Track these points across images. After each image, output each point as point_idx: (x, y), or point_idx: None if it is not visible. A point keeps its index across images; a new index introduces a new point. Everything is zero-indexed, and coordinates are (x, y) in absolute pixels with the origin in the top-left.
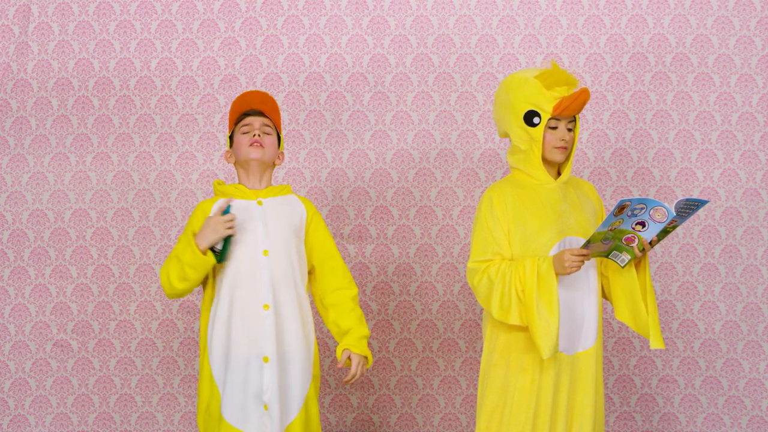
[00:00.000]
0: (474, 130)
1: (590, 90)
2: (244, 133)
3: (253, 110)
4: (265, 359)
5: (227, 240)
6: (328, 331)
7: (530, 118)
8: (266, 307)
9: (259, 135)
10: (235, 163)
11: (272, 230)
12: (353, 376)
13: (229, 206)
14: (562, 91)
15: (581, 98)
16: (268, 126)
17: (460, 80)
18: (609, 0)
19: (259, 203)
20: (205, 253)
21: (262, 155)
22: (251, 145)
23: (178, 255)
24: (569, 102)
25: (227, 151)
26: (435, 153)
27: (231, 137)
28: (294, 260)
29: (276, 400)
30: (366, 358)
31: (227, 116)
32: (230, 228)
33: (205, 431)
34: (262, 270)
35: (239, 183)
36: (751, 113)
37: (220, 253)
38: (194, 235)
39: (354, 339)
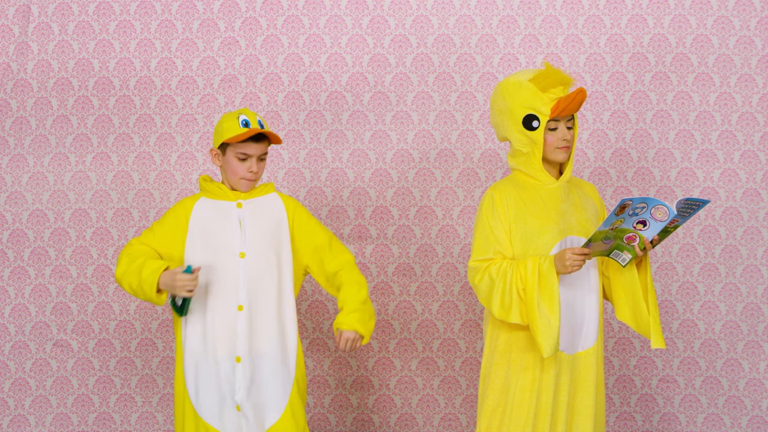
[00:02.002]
0: (474, 130)
1: (590, 90)
2: (240, 159)
3: (258, 135)
4: (237, 359)
5: (188, 298)
6: (328, 330)
7: (529, 122)
8: (240, 308)
9: (254, 171)
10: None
11: (249, 233)
12: (343, 350)
13: (189, 266)
14: (557, 92)
15: (578, 98)
16: (266, 153)
17: (460, 80)
18: (609, 0)
19: (239, 205)
20: (159, 291)
21: (252, 186)
22: (245, 179)
23: (141, 279)
24: (567, 103)
25: (212, 150)
26: (435, 153)
27: (223, 143)
28: (274, 262)
29: (248, 401)
30: (357, 332)
31: None
32: (189, 291)
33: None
34: (238, 272)
35: (223, 183)
36: (751, 113)
37: (180, 308)
38: (163, 271)
39: (342, 315)
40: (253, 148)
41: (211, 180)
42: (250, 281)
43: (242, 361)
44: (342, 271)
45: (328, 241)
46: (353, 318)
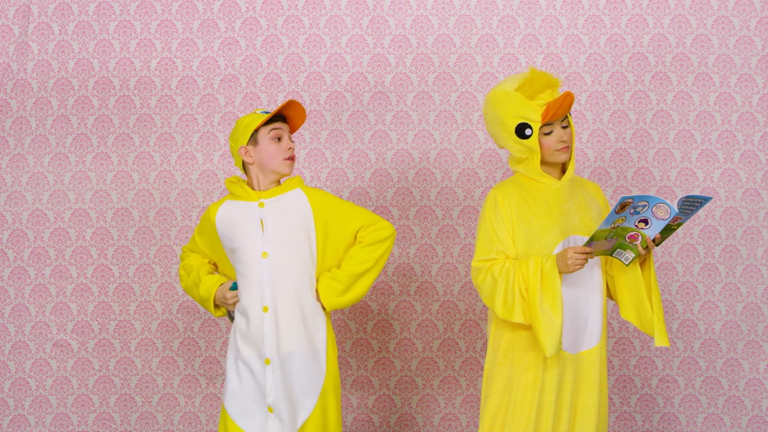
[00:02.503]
0: (474, 130)
1: (590, 90)
2: (276, 139)
3: (283, 116)
4: (267, 361)
5: None
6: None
7: (522, 130)
8: (265, 309)
9: (292, 147)
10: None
11: (271, 232)
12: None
13: (234, 283)
14: (546, 96)
15: (566, 102)
16: (290, 133)
17: (460, 80)
18: (609, 0)
19: (261, 205)
20: (217, 307)
21: (293, 166)
22: (287, 159)
23: (201, 298)
24: (555, 108)
25: (242, 148)
26: (435, 153)
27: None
28: (297, 260)
29: (281, 402)
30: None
31: (227, 116)
32: (234, 305)
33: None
34: (261, 272)
35: (250, 183)
36: (751, 113)
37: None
38: (219, 287)
39: (326, 276)
40: (284, 126)
41: (238, 180)
42: (274, 281)
43: (271, 363)
44: (370, 236)
45: (364, 222)
46: (328, 286)
